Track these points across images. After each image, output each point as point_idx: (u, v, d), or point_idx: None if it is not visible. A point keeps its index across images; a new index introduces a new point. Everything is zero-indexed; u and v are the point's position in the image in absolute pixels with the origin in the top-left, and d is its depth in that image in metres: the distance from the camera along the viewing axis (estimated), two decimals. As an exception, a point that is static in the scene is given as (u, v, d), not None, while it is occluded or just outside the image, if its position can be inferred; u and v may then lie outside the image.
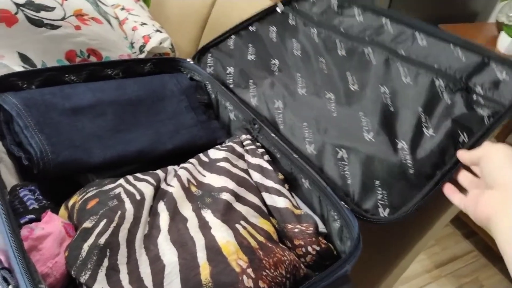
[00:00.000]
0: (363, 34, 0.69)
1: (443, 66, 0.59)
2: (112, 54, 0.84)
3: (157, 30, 1.12)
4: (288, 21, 0.79)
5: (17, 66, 0.72)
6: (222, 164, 0.56)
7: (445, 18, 1.53)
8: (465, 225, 1.64)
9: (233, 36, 0.78)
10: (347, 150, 0.56)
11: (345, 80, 0.64)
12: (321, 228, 0.52)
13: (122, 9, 1.21)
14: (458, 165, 0.51)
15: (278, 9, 0.82)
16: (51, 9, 0.72)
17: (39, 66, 0.74)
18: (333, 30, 0.72)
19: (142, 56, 1.03)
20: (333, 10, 0.77)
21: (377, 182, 0.53)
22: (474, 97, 0.56)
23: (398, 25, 0.66)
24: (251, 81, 0.69)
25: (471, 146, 0.52)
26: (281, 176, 0.56)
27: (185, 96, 0.66)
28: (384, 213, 0.52)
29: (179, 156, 0.59)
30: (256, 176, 0.55)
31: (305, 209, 0.54)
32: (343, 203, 0.50)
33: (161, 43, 1.09)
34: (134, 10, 1.22)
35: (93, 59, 0.80)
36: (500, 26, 1.42)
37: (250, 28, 0.80)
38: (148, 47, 1.07)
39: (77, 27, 0.76)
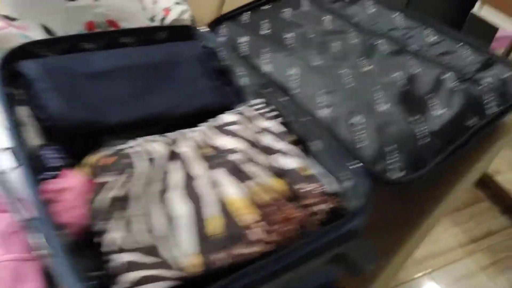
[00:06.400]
0: (375, 26, 0.72)
1: (451, 62, 0.63)
2: (131, 25, 0.85)
3: (177, 2, 1.12)
4: (301, 6, 0.81)
5: (39, 38, 0.74)
6: (234, 127, 0.56)
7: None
8: (503, 200, 1.60)
9: (248, 12, 0.80)
10: (362, 116, 0.57)
11: (358, 62, 0.66)
12: (333, 187, 0.52)
13: (142, -18, 1.21)
14: (469, 143, 0.55)
15: None
16: (70, -20, 0.74)
17: (60, 37, 0.76)
18: (345, 19, 0.75)
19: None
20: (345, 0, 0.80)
21: (391, 147, 0.54)
22: (481, 87, 0.59)
23: (409, 20, 0.70)
24: (264, 50, 0.70)
25: (480, 129, 0.56)
26: (292, 138, 0.56)
27: (199, 63, 0.67)
28: (398, 174, 0.53)
29: (194, 122, 0.60)
30: (268, 138, 0.56)
31: (316, 169, 0.55)
32: (356, 161, 0.51)
33: (181, 15, 1.09)
34: (155, -17, 1.22)
35: (112, 30, 0.82)
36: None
37: (265, 6, 0.81)
38: (168, 20, 1.08)
39: (96, -2, 0.77)
